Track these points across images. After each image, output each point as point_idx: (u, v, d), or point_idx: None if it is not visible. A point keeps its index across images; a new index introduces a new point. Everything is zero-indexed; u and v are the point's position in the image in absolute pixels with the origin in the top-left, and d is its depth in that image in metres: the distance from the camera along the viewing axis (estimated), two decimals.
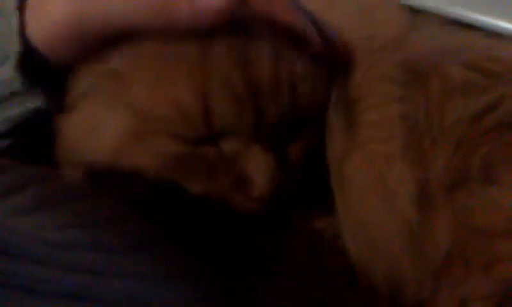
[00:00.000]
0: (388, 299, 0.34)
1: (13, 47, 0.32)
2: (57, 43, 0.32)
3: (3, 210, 0.27)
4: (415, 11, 0.44)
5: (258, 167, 0.32)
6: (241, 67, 0.31)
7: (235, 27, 0.32)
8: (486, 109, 0.34)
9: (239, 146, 0.33)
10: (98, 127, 0.33)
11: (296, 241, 0.36)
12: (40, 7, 0.32)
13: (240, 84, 0.31)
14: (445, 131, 0.34)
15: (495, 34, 0.43)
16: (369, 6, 0.42)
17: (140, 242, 0.30)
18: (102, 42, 0.32)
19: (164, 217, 0.32)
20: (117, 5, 0.31)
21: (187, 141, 0.32)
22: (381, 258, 0.34)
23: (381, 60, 0.37)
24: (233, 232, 0.34)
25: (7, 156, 0.34)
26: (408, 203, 0.33)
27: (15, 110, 0.33)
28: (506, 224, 0.33)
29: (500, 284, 0.32)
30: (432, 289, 0.34)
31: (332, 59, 0.36)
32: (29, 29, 0.32)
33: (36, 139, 0.34)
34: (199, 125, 0.31)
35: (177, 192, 0.33)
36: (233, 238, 0.35)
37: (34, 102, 0.33)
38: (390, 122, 0.35)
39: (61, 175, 0.33)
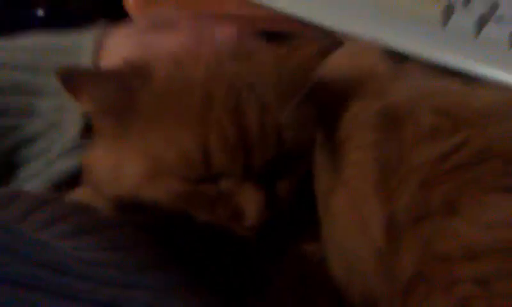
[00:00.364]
0: None
1: None
2: None
3: (51, 235, 0.34)
4: (399, 59, 0.50)
5: (249, 202, 0.39)
6: (234, 120, 0.39)
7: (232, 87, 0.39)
8: (450, 151, 0.40)
9: (233, 184, 0.40)
10: (122, 169, 0.41)
11: (288, 264, 0.42)
12: None
13: (233, 135, 0.39)
14: (411, 171, 0.40)
15: (471, 81, 0.48)
16: (360, 56, 0.49)
17: (156, 263, 0.37)
18: None
19: (175, 241, 0.39)
20: None
21: (191, 181, 0.39)
22: (357, 280, 0.40)
23: (362, 108, 0.43)
24: (231, 255, 0.41)
25: None
26: (378, 233, 0.39)
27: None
28: (464, 251, 0.38)
29: (459, 302, 0.37)
30: (403, 306, 0.39)
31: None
32: None
33: None
34: (200, 168, 0.39)
35: (185, 221, 0.40)
36: (230, 260, 0.41)
37: None
38: (367, 163, 0.41)
39: (95, 208, 0.40)
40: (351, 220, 0.41)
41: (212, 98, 0.39)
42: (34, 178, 0.51)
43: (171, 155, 0.39)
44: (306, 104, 0.42)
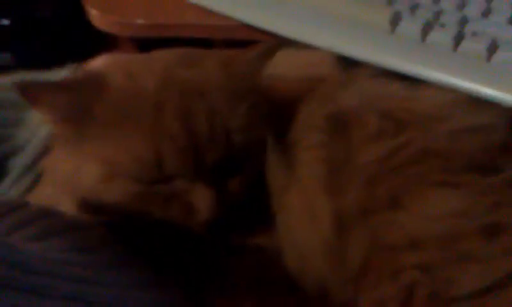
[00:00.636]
0: (319, 301, 0.43)
1: None
2: None
3: (20, 238, 0.36)
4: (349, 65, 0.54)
5: (200, 199, 0.43)
6: (184, 126, 0.42)
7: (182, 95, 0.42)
8: (393, 151, 0.43)
9: (186, 183, 0.43)
10: (81, 172, 0.44)
11: (245, 258, 0.45)
12: None
13: (183, 139, 0.42)
14: (358, 169, 0.43)
15: (417, 83, 0.51)
16: (309, 63, 0.52)
17: (119, 262, 0.39)
18: None
19: (136, 241, 0.42)
20: None
21: (145, 183, 0.42)
22: (310, 269, 0.43)
23: (313, 113, 0.46)
24: (189, 252, 0.44)
25: None
26: (327, 226, 0.43)
27: None
28: (408, 241, 0.41)
29: (405, 288, 0.41)
30: (354, 292, 0.42)
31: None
32: None
33: None
34: (153, 171, 0.42)
35: (144, 221, 0.43)
36: (189, 257, 0.44)
37: None
38: (317, 163, 0.44)
39: (59, 211, 0.42)
40: (303, 214, 0.44)
41: (162, 106, 0.42)
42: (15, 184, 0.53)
43: (126, 159, 0.42)
44: (255, 108, 0.45)
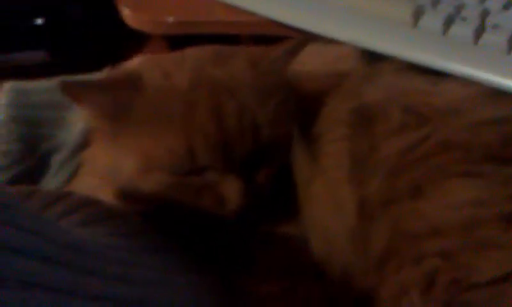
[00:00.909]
0: (344, 286, 0.45)
1: None
2: None
3: (66, 225, 0.39)
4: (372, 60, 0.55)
5: (230, 189, 0.45)
6: (214, 122, 0.44)
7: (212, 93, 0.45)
8: (415, 143, 0.45)
9: (217, 175, 0.46)
10: (119, 164, 0.47)
11: (274, 244, 0.47)
12: None
13: (214, 134, 0.44)
14: (381, 161, 0.45)
15: (440, 76, 0.53)
16: (335, 58, 0.54)
17: (156, 247, 0.42)
18: None
19: (171, 228, 0.45)
20: None
21: (179, 174, 0.45)
22: (335, 255, 0.46)
23: (337, 107, 0.48)
24: (221, 239, 0.47)
25: None
26: (351, 214, 0.45)
27: None
28: (429, 229, 0.43)
29: (427, 275, 0.42)
30: (377, 278, 0.44)
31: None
32: None
33: None
34: (186, 163, 0.45)
35: (178, 210, 0.46)
36: (220, 244, 0.47)
37: None
38: (341, 155, 0.46)
39: (100, 200, 0.45)
40: (328, 203, 0.46)
41: (195, 104, 0.45)
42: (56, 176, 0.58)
43: (161, 153, 0.45)
44: (283, 104, 0.47)
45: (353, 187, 0.45)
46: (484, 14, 0.56)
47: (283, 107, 0.47)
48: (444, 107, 0.48)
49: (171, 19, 0.71)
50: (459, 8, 0.57)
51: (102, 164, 0.49)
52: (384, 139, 0.46)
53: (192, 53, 0.51)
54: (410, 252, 0.43)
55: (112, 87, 0.47)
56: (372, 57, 0.56)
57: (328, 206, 0.46)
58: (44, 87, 0.61)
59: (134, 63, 0.57)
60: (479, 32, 0.54)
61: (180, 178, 0.46)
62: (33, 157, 0.58)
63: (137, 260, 0.38)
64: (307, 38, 0.52)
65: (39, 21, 0.85)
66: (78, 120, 0.58)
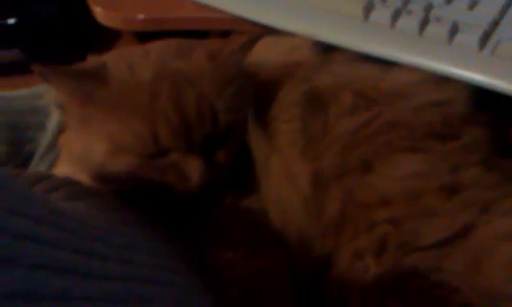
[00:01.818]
0: (302, 251, 0.49)
1: None
2: None
3: (53, 199, 0.42)
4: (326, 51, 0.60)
5: (192, 167, 0.50)
6: (176, 108, 0.48)
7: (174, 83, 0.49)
8: (365, 123, 0.50)
9: (179, 156, 0.50)
10: (90, 148, 0.51)
11: (237, 215, 0.52)
12: None
13: (175, 119, 0.48)
14: (334, 138, 0.50)
15: (386, 66, 0.57)
16: (289, 49, 0.58)
17: (130, 220, 0.47)
18: None
19: (142, 204, 0.50)
20: None
21: (145, 156, 0.49)
22: (291, 223, 0.50)
23: (290, 91, 0.53)
24: (189, 214, 0.51)
25: None
26: (305, 185, 0.49)
27: None
28: (379, 198, 0.47)
29: (378, 240, 0.47)
30: (333, 244, 0.48)
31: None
32: None
33: None
34: (151, 146, 0.49)
35: (146, 187, 0.51)
36: (189, 218, 0.51)
37: None
38: (294, 133, 0.51)
39: (78, 180, 0.49)
40: (283, 176, 0.51)
41: (157, 93, 0.49)
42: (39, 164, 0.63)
43: (128, 137, 0.49)
44: (239, 92, 0.52)
45: (307, 161, 0.50)
46: (429, 7, 0.60)
47: (239, 94, 0.52)
48: (391, 92, 0.52)
49: (141, 16, 0.74)
50: (405, 2, 0.61)
51: (75, 149, 0.53)
52: (336, 119, 0.51)
53: (156, 47, 0.55)
54: (362, 220, 0.48)
55: (80, 76, 0.50)
56: (325, 48, 0.60)
57: (283, 179, 0.51)
58: (26, 94, 0.65)
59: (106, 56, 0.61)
60: (424, 24, 0.59)
61: (146, 160, 0.50)
62: (18, 159, 0.63)
63: (114, 229, 0.42)
64: (261, 32, 0.56)
65: (11, 21, 0.86)
66: (56, 123, 0.62)
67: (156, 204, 0.51)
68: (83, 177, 0.51)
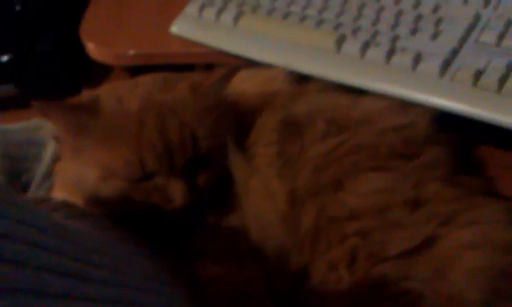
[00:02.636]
0: (280, 264, 0.53)
1: None
2: None
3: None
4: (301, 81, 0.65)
5: (175, 190, 0.54)
6: (160, 136, 0.53)
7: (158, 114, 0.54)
8: (335, 147, 0.55)
9: (164, 179, 0.55)
10: (83, 174, 0.56)
11: (219, 232, 0.56)
12: None
13: (160, 146, 0.53)
14: (308, 161, 0.55)
15: (357, 94, 0.62)
16: (266, 80, 0.65)
17: (122, 238, 0.51)
18: None
19: (131, 223, 0.54)
20: None
21: (132, 180, 0.54)
22: (271, 238, 0.54)
23: (268, 119, 0.59)
24: (175, 232, 0.56)
25: None
26: (282, 203, 0.54)
27: None
28: (349, 213, 0.52)
29: (349, 251, 0.51)
30: (309, 257, 0.52)
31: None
32: None
33: None
34: (138, 171, 0.54)
35: (136, 207, 0.55)
36: (175, 236, 0.56)
37: None
38: (272, 156, 0.57)
39: (74, 203, 0.54)
40: (262, 195, 0.55)
41: (143, 123, 0.54)
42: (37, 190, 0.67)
43: (117, 163, 0.54)
44: (219, 120, 0.57)
45: (283, 181, 0.55)
46: (395, 39, 0.66)
47: (219, 122, 0.57)
48: (359, 118, 0.58)
49: (132, 52, 0.79)
50: (374, 35, 0.67)
51: (69, 176, 0.58)
52: (310, 143, 0.56)
53: (143, 80, 0.60)
54: (335, 234, 0.52)
55: (74, 109, 0.56)
56: (299, 78, 0.66)
57: (262, 198, 0.55)
58: (23, 127, 0.70)
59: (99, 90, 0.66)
60: (390, 54, 0.64)
61: (133, 184, 0.54)
62: (16, 188, 0.67)
63: (108, 243, 0.47)
64: (238, 65, 0.61)
65: (5, 57, 0.90)
66: (52, 155, 0.68)
67: (144, 223, 0.56)
68: (77, 201, 0.56)
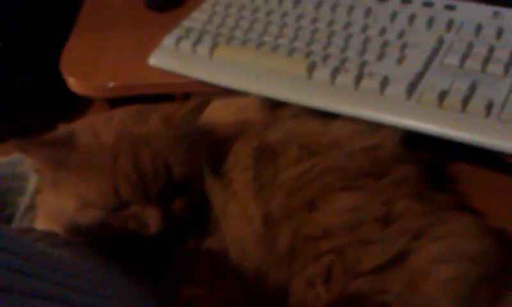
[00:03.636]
0: (258, 283, 0.55)
1: None
2: None
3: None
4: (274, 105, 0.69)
5: (149, 217, 0.57)
6: (134, 166, 0.56)
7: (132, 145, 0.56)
8: (306, 170, 0.58)
9: (138, 207, 0.57)
10: (62, 205, 0.58)
11: (200, 255, 0.58)
12: None
13: (134, 176, 0.56)
14: (281, 184, 0.58)
15: (328, 118, 0.66)
16: (240, 108, 0.68)
17: (102, 263, 0.53)
18: None
19: (109, 249, 0.56)
20: None
21: (109, 209, 0.56)
22: (249, 259, 0.56)
23: (243, 147, 0.61)
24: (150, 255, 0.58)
25: None
26: (258, 225, 0.56)
27: None
28: (322, 231, 0.55)
29: (325, 268, 0.53)
30: (287, 275, 0.54)
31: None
32: None
33: None
34: (113, 200, 0.56)
35: (113, 235, 0.57)
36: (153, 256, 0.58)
37: None
38: (247, 180, 0.59)
39: (55, 232, 0.56)
40: (240, 218, 0.58)
41: (118, 154, 0.56)
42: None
43: (93, 194, 0.56)
44: (192, 149, 0.59)
45: (259, 204, 0.57)
46: (363, 65, 0.69)
47: (193, 151, 0.60)
48: (329, 143, 0.61)
49: (111, 84, 0.81)
50: (343, 61, 0.70)
51: (50, 208, 0.60)
52: (284, 168, 0.59)
53: (118, 113, 0.63)
54: (310, 252, 0.54)
55: (51, 144, 0.58)
56: (272, 104, 0.69)
57: (240, 221, 0.57)
58: (7, 161, 0.72)
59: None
60: (359, 79, 0.67)
61: (110, 213, 0.56)
62: None
63: (89, 269, 0.49)
64: (210, 96, 0.63)
65: None
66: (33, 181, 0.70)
67: (124, 250, 0.58)
68: (58, 231, 0.58)
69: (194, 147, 0.60)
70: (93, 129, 0.59)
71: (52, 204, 0.59)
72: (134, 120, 0.60)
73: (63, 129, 0.64)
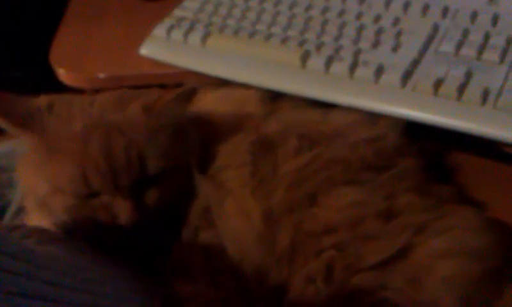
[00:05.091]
0: (258, 281, 0.51)
1: None
2: None
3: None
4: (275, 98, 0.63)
5: (120, 208, 0.52)
6: (104, 155, 0.51)
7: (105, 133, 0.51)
8: (308, 163, 0.53)
9: (110, 197, 0.52)
10: (35, 188, 0.53)
11: (197, 249, 0.54)
12: None
13: (104, 165, 0.51)
14: (281, 178, 0.52)
15: (326, 109, 0.61)
16: (242, 101, 0.61)
17: (96, 259, 0.49)
18: None
19: (84, 237, 0.52)
20: None
21: (79, 197, 0.52)
22: (249, 256, 0.51)
23: (240, 142, 0.56)
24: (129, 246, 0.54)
25: None
26: (258, 221, 0.51)
27: None
28: (324, 227, 0.50)
29: (326, 264, 0.49)
30: (287, 272, 0.50)
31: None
32: None
33: None
34: (83, 188, 0.51)
35: (84, 223, 0.53)
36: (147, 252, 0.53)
37: None
38: (245, 177, 0.54)
39: (44, 228, 0.52)
40: (238, 215, 0.53)
41: (88, 142, 0.51)
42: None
43: (63, 179, 0.51)
44: (171, 140, 0.54)
45: (258, 200, 0.52)
46: (357, 53, 0.64)
47: (173, 142, 0.54)
48: (330, 133, 0.56)
49: (102, 75, 0.76)
50: (337, 49, 0.65)
51: (27, 186, 0.56)
52: (283, 161, 0.54)
53: (100, 99, 0.57)
54: (311, 248, 0.50)
55: (28, 104, 0.54)
56: (272, 96, 0.64)
57: (238, 218, 0.53)
58: None
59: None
60: (353, 68, 0.62)
61: (80, 200, 0.52)
62: None
63: (80, 266, 0.45)
64: (196, 85, 0.58)
65: None
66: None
67: (110, 244, 0.53)
68: (46, 222, 0.54)
69: (176, 139, 0.54)
70: (69, 112, 0.54)
71: (28, 180, 0.55)
72: (113, 107, 0.54)
73: (44, 99, 0.58)
